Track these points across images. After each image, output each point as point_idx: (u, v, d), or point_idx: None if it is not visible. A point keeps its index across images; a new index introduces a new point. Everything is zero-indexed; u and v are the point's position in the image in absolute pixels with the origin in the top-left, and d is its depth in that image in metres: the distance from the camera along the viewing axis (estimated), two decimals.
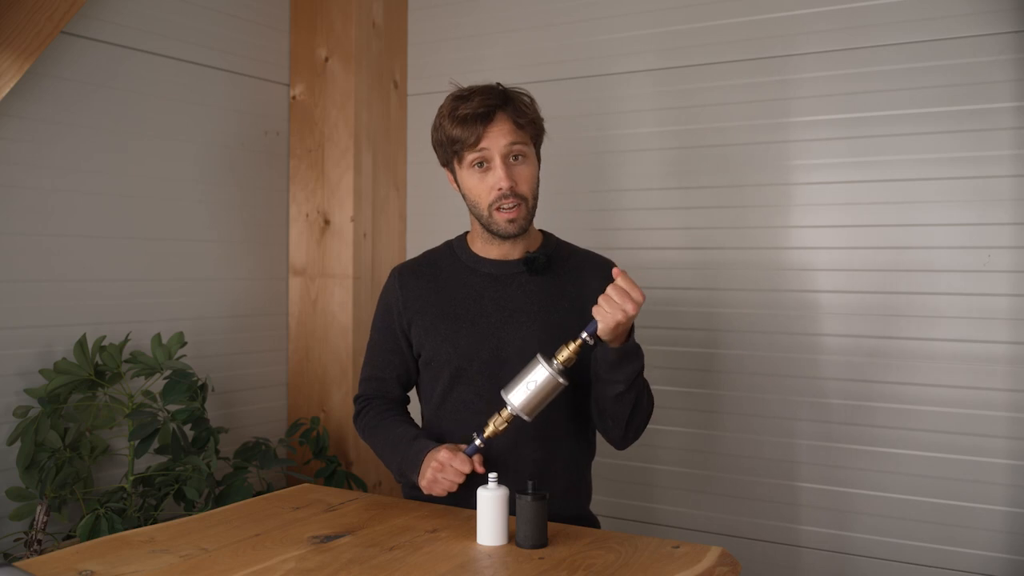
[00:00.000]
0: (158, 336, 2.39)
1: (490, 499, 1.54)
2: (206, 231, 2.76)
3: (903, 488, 2.35)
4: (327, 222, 2.96)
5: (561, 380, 1.62)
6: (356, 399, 1.99)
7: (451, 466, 1.68)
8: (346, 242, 2.92)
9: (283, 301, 3.03)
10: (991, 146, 2.25)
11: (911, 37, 2.33)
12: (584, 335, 1.64)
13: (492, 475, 1.57)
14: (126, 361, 2.35)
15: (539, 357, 1.63)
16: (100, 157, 2.45)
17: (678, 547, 1.54)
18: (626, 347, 1.70)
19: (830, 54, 2.42)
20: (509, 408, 1.64)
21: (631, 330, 1.72)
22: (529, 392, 1.62)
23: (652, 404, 1.86)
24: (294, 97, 3.01)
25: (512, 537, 1.56)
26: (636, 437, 1.87)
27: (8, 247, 2.25)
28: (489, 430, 1.66)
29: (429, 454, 1.73)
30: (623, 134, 2.72)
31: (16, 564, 1.51)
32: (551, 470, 1.81)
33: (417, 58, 3.09)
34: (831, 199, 2.43)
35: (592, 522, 1.93)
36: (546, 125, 1.90)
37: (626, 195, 2.72)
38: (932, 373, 2.32)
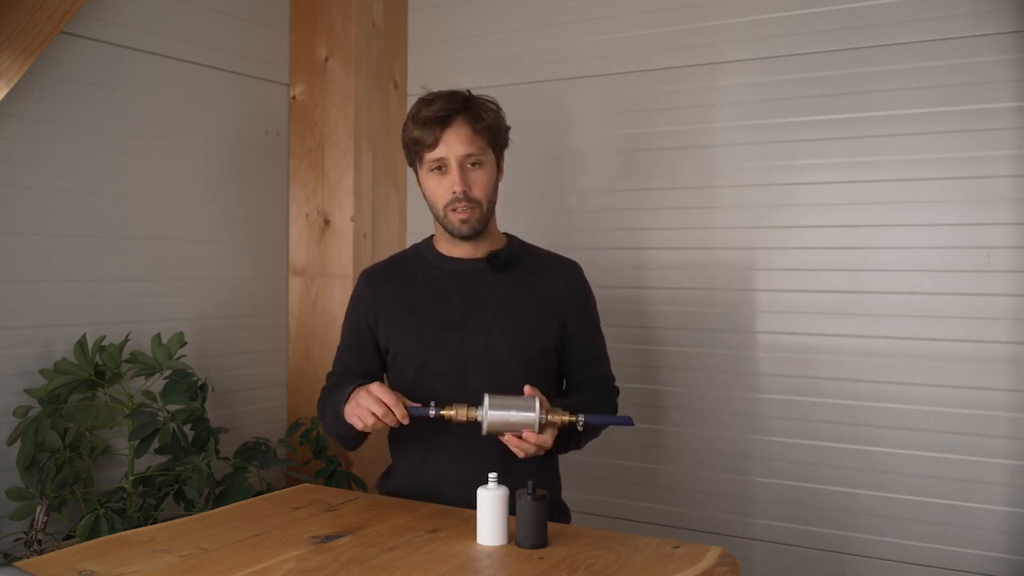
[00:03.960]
0: (158, 336, 2.39)
1: (490, 499, 1.54)
2: (206, 231, 2.76)
3: (902, 488, 2.35)
4: (327, 222, 2.96)
5: (535, 429, 1.65)
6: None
7: (375, 394, 1.67)
8: (346, 242, 2.92)
9: (283, 301, 3.03)
10: (991, 146, 2.25)
11: (911, 37, 2.33)
12: (580, 419, 1.67)
13: (492, 475, 1.57)
14: (126, 361, 2.35)
15: (537, 402, 1.65)
16: (100, 157, 2.45)
17: (678, 547, 1.54)
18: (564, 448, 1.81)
19: (831, 54, 2.42)
20: (479, 415, 1.65)
21: (572, 435, 1.79)
22: (506, 419, 1.65)
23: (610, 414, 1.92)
24: (294, 97, 3.01)
25: (512, 537, 1.56)
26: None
27: (8, 247, 2.25)
28: (448, 412, 1.67)
29: (361, 386, 1.73)
30: (625, 134, 2.72)
31: (16, 564, 1.51)
32: (517, 458, 1.78)
33: (417, 58, 3.09)
34: (831, 199, 2.43)
35: (562, 509, 1.96)
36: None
37: (625, 195, 2.72)
38: (932, 373, 2.32)
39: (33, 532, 2.16)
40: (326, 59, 2.95)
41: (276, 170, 2.99)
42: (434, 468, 1.87)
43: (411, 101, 3.08)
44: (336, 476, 2.74)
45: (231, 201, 2.83)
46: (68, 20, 2.19)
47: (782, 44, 2.48)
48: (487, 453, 1.79)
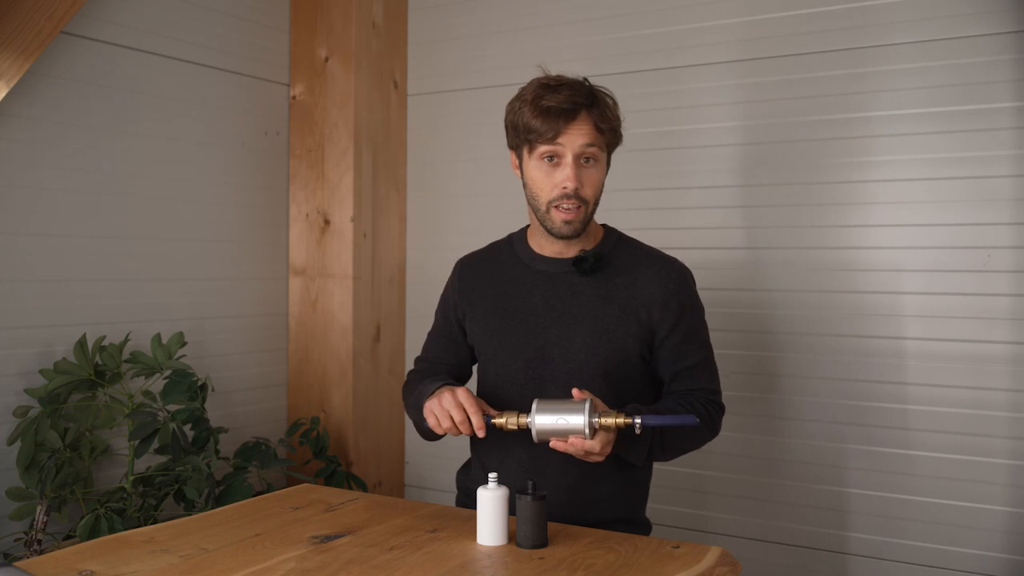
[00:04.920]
0: (158, 336, 2.39)
1: (490, 499, 1.54)
2: (206, 231, 2.76)
3: (903, 488, 2.35)
4: (327, 222, 2.96)
5: (587, 435, 1.57)
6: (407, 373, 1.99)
7: (458, 399, 1.64)
8: (346, 242, 2.92)
9: (283, 301, 3.03)
10: (991, 146, 2.25)
11: (911, 37, 2.33)
12: (637, 420, 1.57)
13: (492, 475, 1.57)
14: (126, 361, 2.35)
15: (587, 405, 1.57)
16: (100, 157, 2.45)
17: (678, 547, 1.54)
18: (624, 454, 1.70)
19: (831, 54, 2.42)
20: (529, 421, 1.60)
21: (640, 444, 1.69)
22: (555, 425, 1.58)
23: (703, 433, 1.78)
24: (294, 97, 3.02)
25: (512, 537, 1.56)
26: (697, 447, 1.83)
27: (8, 247, 2.25)
28: (499, 420, 1.63)
29: (448, 386, 1.70)
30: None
31: (16, 564, 1.51)
32: (598, 470, 1.74)
33: (417, 58, 3.09)
34: (831, 199, 2.43)
35: (643, 526, 1.85)
36: None
37: (628, 195, 2.72)
38: (932, 373, 2.32)
39: (33, 532, 2.16)
40: (326, 59, 2.95)
41: (276, 170, 2.99)
42: (506, 476, 1.76)
43: (411, 101, 3.10)
44: (336, 476, 2.74)
45: (231, 201, 2.83)
46: (68, 20, 2.19)
47: (776, 45, 2.48)
48: (561, 465, 1.71)
